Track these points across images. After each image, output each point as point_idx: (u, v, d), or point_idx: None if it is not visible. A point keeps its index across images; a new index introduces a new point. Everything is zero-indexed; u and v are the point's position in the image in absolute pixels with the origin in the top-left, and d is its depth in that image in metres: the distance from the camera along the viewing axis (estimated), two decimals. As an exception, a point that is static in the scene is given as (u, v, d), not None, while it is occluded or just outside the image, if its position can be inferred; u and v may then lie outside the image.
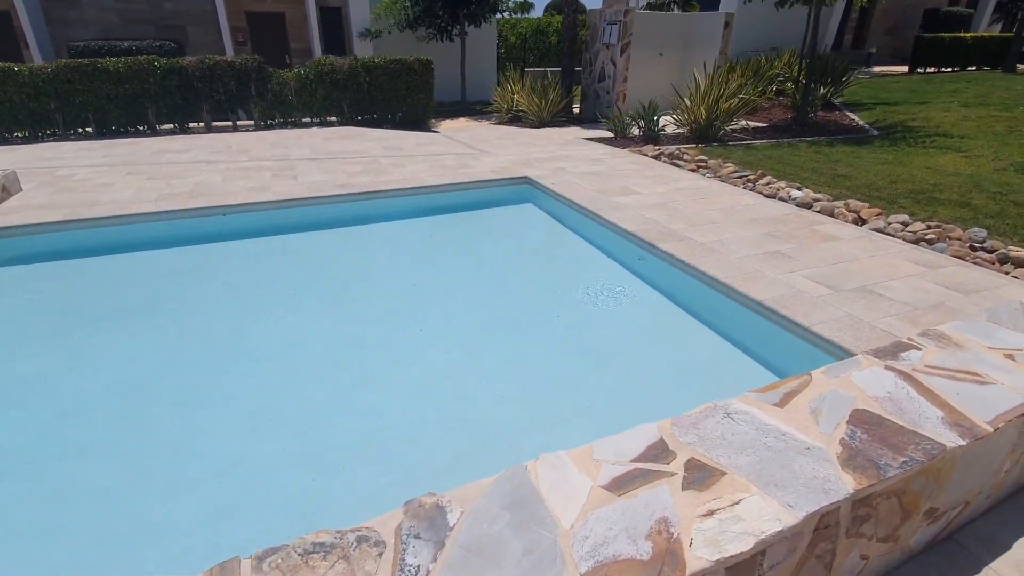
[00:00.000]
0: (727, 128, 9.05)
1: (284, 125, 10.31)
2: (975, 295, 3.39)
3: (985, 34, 19.76)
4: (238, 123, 10.27)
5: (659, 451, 1.72)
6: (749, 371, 3.18)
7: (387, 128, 10.29)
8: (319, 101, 10.26)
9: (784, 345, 3.13)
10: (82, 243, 4.94)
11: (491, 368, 3.37)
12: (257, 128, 10.07)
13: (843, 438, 1.76)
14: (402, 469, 2.54)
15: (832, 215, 4.95)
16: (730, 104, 8.69)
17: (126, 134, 9.45)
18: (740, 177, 6.19)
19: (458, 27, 13.96)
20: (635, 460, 1.69)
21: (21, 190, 5.79)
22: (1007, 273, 3.77)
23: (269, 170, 6.65)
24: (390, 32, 14.81)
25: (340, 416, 2.92)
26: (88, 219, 4.97)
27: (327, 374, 3.29)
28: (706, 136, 8.74)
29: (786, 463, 1.65)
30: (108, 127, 9.41)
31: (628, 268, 4.46)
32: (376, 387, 3.18)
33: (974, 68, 18.87)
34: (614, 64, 10.82)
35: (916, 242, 4.33)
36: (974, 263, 3.91)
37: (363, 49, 15.36)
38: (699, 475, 1.61)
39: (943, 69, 18.52)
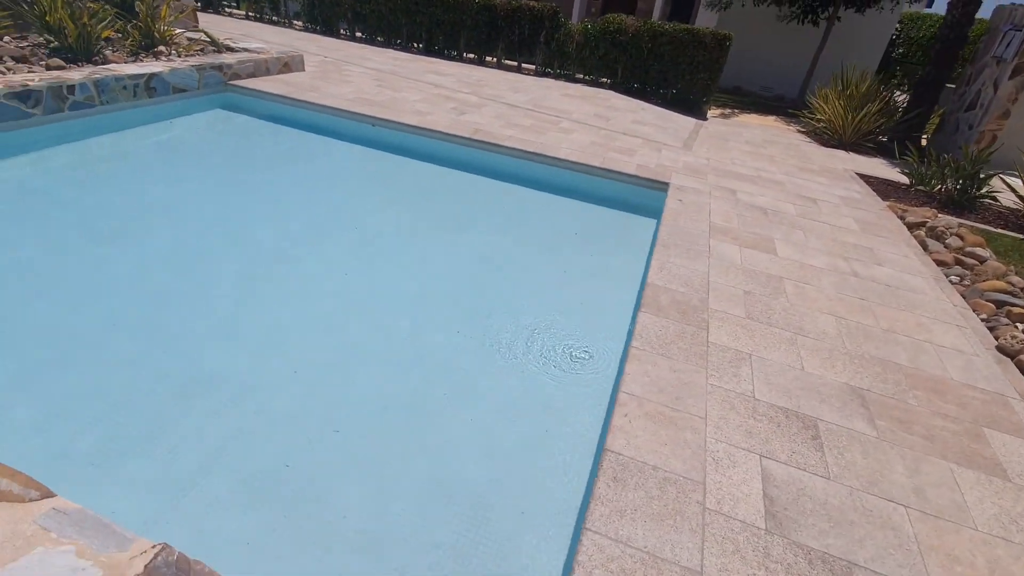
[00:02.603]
0: None
1: (558, 77, 10.53)
2: None
3: None
4: (523, 65, 10.97)
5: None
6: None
7: (650, 102, 9.43)
8: (596, 59, 10.03)
9: None
10: (285, 114, 6.31)
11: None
12: (536, 74, 10.58)
13: None
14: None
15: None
16: None
17: (440, 55, 11.23)
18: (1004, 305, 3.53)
19: (830, 9, 11.33)
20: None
21: (303, 70, 7.63)
22: None
23: (472, 106, 7.00)
24: (743, 4, 13.11)
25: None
26: (298, 100, 6.27)
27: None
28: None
29: None
30: (432, 46, 11.33)
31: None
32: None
33: None
34: (995, 88, 7.18)
35: None
36: None
37: (707, 19, 14.05)
38: None
39: None
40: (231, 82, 6.58)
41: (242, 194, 4.61)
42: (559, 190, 5.25)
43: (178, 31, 7.30)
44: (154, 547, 1.21)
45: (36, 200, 4.08)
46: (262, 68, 7.03)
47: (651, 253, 3.70)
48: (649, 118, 7.99)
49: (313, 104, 6.20)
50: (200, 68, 6.22)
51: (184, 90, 6.10)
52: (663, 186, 5.08)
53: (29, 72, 5.14)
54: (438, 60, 10.57)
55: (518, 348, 2.96)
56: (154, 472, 2.04)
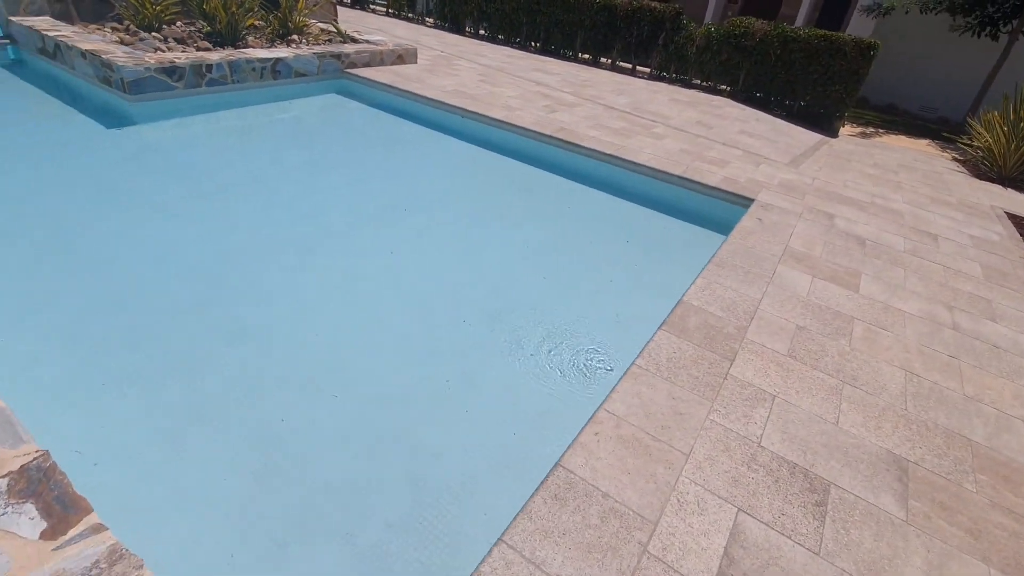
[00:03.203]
0: None
1: (672, 81, 10.03)
2: None
3: None
4: (638, 68, 10.61)
5: None
6: None
7: (771, 113, 8.64)
8: (716, 64, 9.40)
9: None
10: (388, 102, 6.71)
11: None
12: (650, 78, 10.19)
13: None
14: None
15: None
16: None
17: (555, 54, 11.23)
18: None
19: (1014, 22, 9.61)
20: None
21: (415, 63, 8.05)
22: None
23: (565, 105, 6.94)
24: (907, 11, 11.53)
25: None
26: (400, 89, 6.63)
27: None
28: None
29: None
30: (549, 46, 11.36)
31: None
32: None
33: None
34: None
35: None
36: None
37: (862, 27, 12.54)
38: None
39: None
40: (347, 70, 7.14)
41: (331, 171, 4.98)
42: (629, 195, 5.00)
43: (311, 22, 8.08)
44: (37, 452, 1.35)
45: (162, 158, 4.76)
46: (377, 59, 7.54)
47: (703, 269, 3.39)
48: (760, 130, 7.32)
49: (412, 94, 6.52)
50: (321, 56, 6.83)
51: (304, 75, 6.74)
52: (746, 202, 4.62)
53: (182, 52, 6.00)
54: (551, 59, 10.59)
55: (532, 349, 2.87)
56: (176, 395, 2.28)
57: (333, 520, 1.90)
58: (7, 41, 6.59)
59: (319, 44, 7.38)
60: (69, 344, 2.55)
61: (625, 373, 2.38)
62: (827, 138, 7.97)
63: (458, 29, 12.66)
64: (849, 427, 2.27)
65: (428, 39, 10.74)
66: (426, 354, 2.80)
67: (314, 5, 8.40)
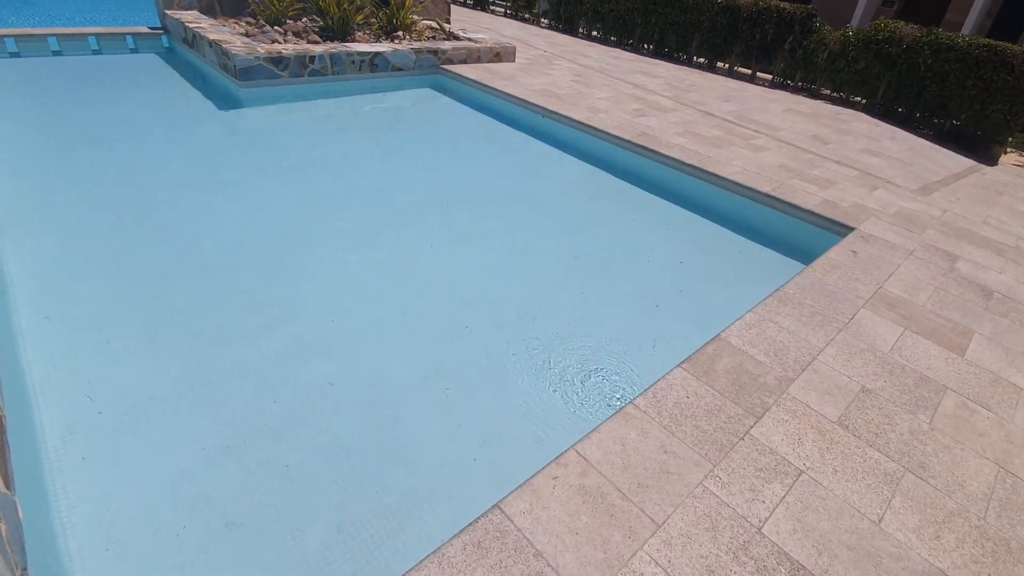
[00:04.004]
0: None
1: (797, 90, 9.00)
2: None
3: None
4: (759, 74, 9.67)
5: None
6: None
7: (913, 132, 7.42)
8: (851, 73, 8.25)
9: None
10: (477, 98, 6.71)
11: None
12: (771, 85, 9.25)
13: None
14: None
15: None
16: None
17: (668, 57, 10.61)
18: None
19: None
20: None
21: (513, 61, 7.99)
22: None
23: (659, 110, 6.49)
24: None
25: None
26: (487, 86, 6.60)
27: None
28: None
29: None
30: (663, 48, 10.76)
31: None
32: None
33: None
34: None
35: None
36: None
37: (1056, 36, 10.40)
38: None
39: None
40: (443, 66, 7.26)
41: (402, 160, 5.07)
42: (703, 211, 4.49)
43: (418, 19, 8.34)
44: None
45: (258, 138, 5.14)
46: (473, 56, 7.59)
47: (759, 303, 2.90)
48: (893, 149, 6.28)
49: (497, 90, 6.46)
50: (418, 51, 7.01)
51: (401, 69, 6.95)
52: (841, 230, 3.93)
53: (294, 44, 6.46)
54: (661, 62, 10.02)
55: (547, 368, 2.62)
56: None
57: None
58: (162, 31, 7.55)
59: (422, 40, 7.60)
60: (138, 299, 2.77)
61: (616, 412, 2.06)
62: (980, 165, 6.66)
63: (571, 30, 12.46)
64: (895, 530, 1.77)
65: (536, 39, 10.67)
66: (434, 353, 2.66)
67: (419, 4, 8.68)
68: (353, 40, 7.13)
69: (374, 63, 6.69)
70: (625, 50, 10.97)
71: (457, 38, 8.01)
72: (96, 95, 5.82)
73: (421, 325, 2.87)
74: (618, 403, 2.44)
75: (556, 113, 5.80)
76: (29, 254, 3.05)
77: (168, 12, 7.36)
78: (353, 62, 6.51)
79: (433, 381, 2.49)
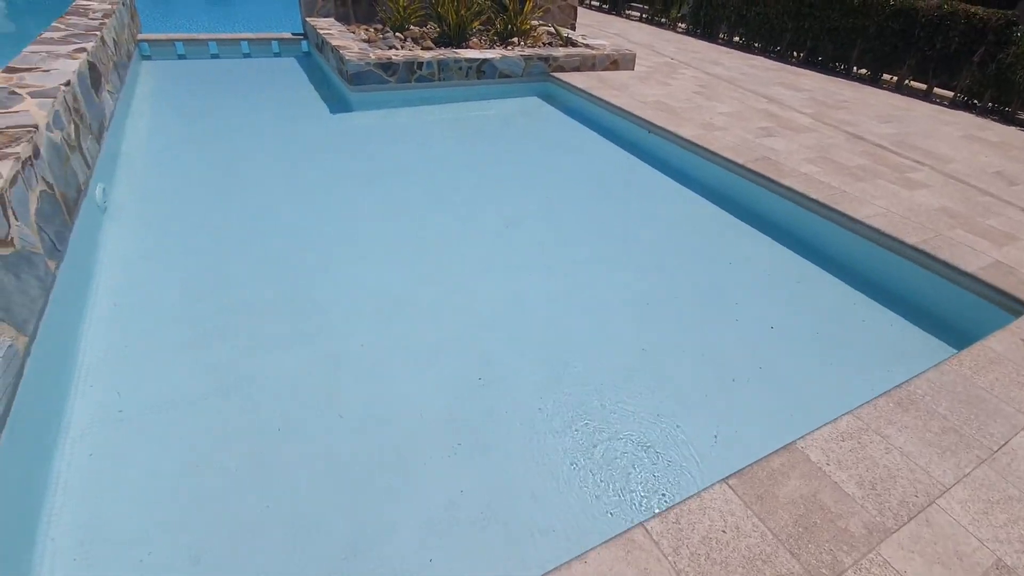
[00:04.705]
0: None
1: (987, 113, 7.29)
2: None
3: None
4: (935, 90, 8.01)
5: None
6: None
7: None
8: (1070, 93, 6.48)
9: None
10: (583, 108, 6.31)
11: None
12: (952, 104, 7.61)
13: None
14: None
15: None
16: None
17: (821, 67, 9.25)
18: None
19: None
20: None
21: (631, 69, 7.43)
22: None
23: (792, 129, 5.60)
24: None
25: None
26: (594, 95, 6.16)
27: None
28: None
29: None
30: (815, 57, 9.41)
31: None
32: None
33: None
34: None
35: None
36: None
37: None
38: None
39: None
40: (553, 73, 6.95)
41: (491, 170, 4.88)
42: (825, 262, 3.67)
43: (536, 23, 8.10)
44: None
45: (362, 141, 5.28)
46: (588, 63, 7.18)
47: (866, 403, 2.19)
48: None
49: (603, 101, 6.00)
50: (528, 58, 6.77)
51: (509, 76, 6.77)
52: (1016, 308, 2.93)
53: (408, 50, 6.58)
54: (810, 72, 8.75)
55: (573, 445, 2.21)
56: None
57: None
58: (302, 37, 8.17)
59: (535, 47, 7.36)
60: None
61: (616, 536, 1.59)
62: None
63: (710, 36, 11.45)
64: None
65: (666, 44, 9.93)
66: (449, 404, 2.37)
67: (540, 8, 8.43)
68: (467, 46, 7.11)
69: (481, 70, 6.57)
70: (769, 58, 9.78)
71: (574, 44, 7.64)
72: (231, 94, 6.39)
73: (429, 360, 2.59)
74: (626, 519, 1.94)
75: (663, 129, 5.20)
76: (124, 238, 3.29)
77: (308, 19, 7.93)
78: (460, 68, 6.45)
79: (444, 435, 2.19)
